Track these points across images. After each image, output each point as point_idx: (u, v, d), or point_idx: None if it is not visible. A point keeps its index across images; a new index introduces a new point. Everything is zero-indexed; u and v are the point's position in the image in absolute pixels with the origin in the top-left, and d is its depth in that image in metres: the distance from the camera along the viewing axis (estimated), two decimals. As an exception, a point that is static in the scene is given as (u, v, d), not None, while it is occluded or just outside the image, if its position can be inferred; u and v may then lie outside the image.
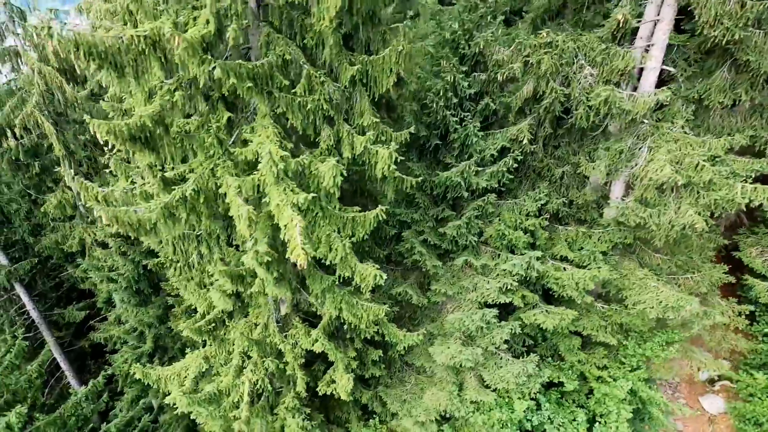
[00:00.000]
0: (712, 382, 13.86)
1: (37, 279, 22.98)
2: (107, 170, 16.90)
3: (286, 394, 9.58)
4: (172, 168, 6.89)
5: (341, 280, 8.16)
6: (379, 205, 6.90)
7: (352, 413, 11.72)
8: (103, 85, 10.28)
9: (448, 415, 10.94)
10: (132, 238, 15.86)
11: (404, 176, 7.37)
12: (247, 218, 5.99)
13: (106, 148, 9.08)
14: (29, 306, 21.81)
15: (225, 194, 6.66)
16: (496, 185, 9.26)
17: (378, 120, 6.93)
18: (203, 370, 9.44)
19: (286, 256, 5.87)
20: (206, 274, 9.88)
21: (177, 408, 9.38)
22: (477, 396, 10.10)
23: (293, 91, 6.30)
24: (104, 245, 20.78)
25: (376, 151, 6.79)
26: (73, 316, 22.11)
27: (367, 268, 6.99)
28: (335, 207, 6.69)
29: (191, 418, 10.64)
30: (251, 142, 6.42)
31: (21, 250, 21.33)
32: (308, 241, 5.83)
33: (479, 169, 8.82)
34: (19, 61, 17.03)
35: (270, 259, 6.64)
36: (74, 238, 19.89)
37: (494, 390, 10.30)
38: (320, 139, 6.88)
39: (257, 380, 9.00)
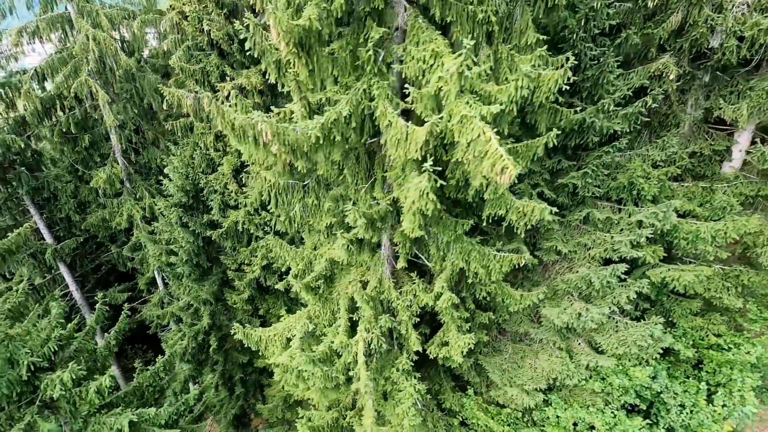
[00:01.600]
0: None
1: (77, 260, 22.50)
2: (169, 138, 16.19)
3: (399, 355, 8.95)
4: (323, 89, 6.23)
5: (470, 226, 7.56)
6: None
7: (445, 383, 11.07)
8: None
9: (554, 384, 10.26)
10: (192, 209, 15.28)
11: (560, 107, 6.69)
12: (417, 137, 5.33)
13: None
14: (72, 287, 21.36)
15: (375, 119, 6.03)
16: (620, 131, 8.56)
17: (543, 38, 6.25)
18: (309, 330, 8.82)
19: (472, 177, 5.18)
20: (307, 228, 9.26)
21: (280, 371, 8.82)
22: (594, 361, 9.42)
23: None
24: (151, 222, 20.34)
25: (538, 74, 6.10)
26: (115, 298, 21.61)
27: (529, 204, 6.31)
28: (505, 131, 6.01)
29: (285, 389, 10.07)
30: (412, 58, 5.76)
31: (65, 228, 20.82)
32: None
33: (615, 110, 8.11)
34: (70, 28, 16.47)
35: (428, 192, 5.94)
36: (122, 214, 19.39)
37: (612, 355, 9.61)
38: (478, 59, 6.21)
39: (371, 340, 8.36)
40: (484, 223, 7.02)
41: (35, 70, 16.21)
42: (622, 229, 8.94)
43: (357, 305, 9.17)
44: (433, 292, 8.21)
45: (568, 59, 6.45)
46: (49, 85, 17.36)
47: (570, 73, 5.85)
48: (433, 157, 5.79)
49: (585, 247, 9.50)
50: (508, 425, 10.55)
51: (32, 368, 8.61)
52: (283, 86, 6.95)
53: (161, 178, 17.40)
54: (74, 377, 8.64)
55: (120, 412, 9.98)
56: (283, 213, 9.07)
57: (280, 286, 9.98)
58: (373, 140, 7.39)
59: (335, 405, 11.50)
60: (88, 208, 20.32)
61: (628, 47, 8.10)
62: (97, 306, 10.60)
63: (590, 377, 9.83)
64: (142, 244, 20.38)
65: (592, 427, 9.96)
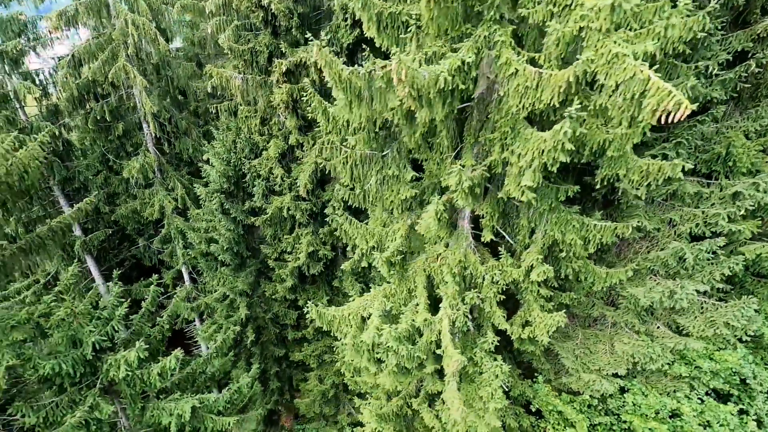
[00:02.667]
0: None
1: (102, 254, 22.10)
2: (208, 124, 15.72)
3: (481, 335, 8.51)
4: (443, 35, 5.84)
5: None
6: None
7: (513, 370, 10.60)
8: None
9: (633, 370, 9.79)
10: (233, 196, 14.90)
11: (678, 63, 6.28)
12: (556, 81, 4.94)
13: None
14: (99, 281, 20.94)
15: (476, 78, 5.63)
16: (717, 98, 8.16)
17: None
18: (387, 308, 8.39)
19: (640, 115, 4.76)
20: (382, 203, 8.85)
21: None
22: (682, 344, 8.96)
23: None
24: (182, 213, 19.97)
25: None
26: (140, 293, 21.16)
27: (655, 162, 5.90)
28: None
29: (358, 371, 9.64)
30: (536, 3, 5.38)
31: (93, 221, 20.43)
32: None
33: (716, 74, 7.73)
34: (107, 13, 16.18)
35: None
36: (153, 205, 19.02)
37: (699, 338, 9.15)
38: None
39: (456, 317, 7.92)
40: (597, 186, 6.61)
41: (72, 55, 15.92)
42: (713, 204, 8.52)
43: (434, 283, 8.76)
44: (521, 267, 7.79)
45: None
46: (81, 73, 17.04)
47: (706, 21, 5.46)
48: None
49: (669, 224, 9.08)
50: (581, 413, 10.06)
51: (97, 348, 8.18)
52: (381, 43, 6.59)
53: (200, 165, 17.02)
54: (141, 356, 8.21)
55: (179, 398, 9.54)
56: (358, 186, 8.68)
57: (346, 265, 9.57)
58: (466, 104, 7.01)
59: (395, 393, 11.04)
60: (117, 199, 19.95)
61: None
62: (152, 288, 10.16)
63: (673, 362, 9.36)
64: (172, 236, 20.06)
65: (675, 414, 9.48)
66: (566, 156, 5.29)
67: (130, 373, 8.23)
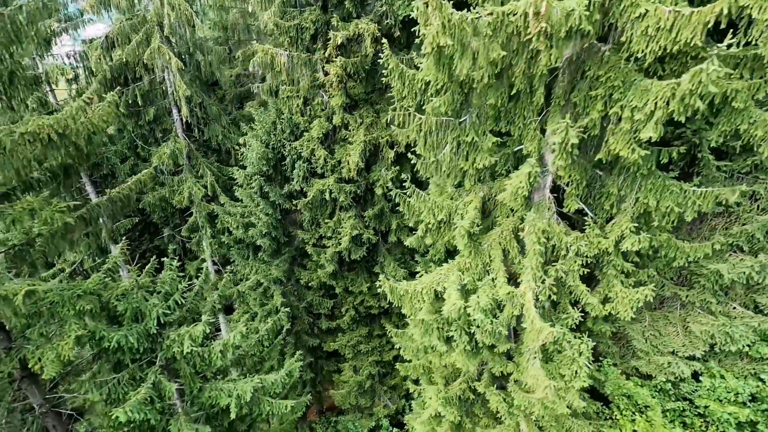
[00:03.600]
0: None
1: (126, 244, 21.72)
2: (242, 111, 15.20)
3: (561, 310, 8.12)
4: None
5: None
6: None
7: (576, 354, 10.18)
8: None
9: (710, 351, 9.39)
10: (271, 180, 14.53)
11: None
12: (702, 17, 4.57)
13: None
14: (123, 272, 20.59)
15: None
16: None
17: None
18: (463, 282, 8.00)
19: None
20: (454, 174, 8.48)
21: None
22: (767, 323, 8.56)
23: None
24: (211, 201, 19.61)
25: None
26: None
27: (783, 113, 5.53)
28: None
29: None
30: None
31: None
32: None
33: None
34: (141, -5, 15.86)
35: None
36: (182, 193, 18.68)
37: (782, 316, 8.75)
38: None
39: (540, 291, 7.54)
40: (713, 143, 6.23)
41: (106, 36, 15.61)
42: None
43: (509, 258, 8.38)
44: (610, 237, 7.40)
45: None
46: (113, 56, 16.73)
47: None
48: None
49: (751, 198, 8.69)
50: (652, 398, 9.65)
51: (161, 321, 7.81)
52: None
53: (233, 150, 16.67)
54: (207, 331, 7.83)
55: (237, 378, 9.16)
56: (431, 155, 8.31)
57: (411, 240, 9.20)
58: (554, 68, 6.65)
59: (452, 378, 10.65)
60: (144, 187, 19.57)
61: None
62: (204, 265, 9.79)
63: (754, 342, 8.96)
64: (200, 224, 19.71)
65: (755, 398, 9.06)
66: (703, 103, 4.91)
67: (193, 350, 7.84)
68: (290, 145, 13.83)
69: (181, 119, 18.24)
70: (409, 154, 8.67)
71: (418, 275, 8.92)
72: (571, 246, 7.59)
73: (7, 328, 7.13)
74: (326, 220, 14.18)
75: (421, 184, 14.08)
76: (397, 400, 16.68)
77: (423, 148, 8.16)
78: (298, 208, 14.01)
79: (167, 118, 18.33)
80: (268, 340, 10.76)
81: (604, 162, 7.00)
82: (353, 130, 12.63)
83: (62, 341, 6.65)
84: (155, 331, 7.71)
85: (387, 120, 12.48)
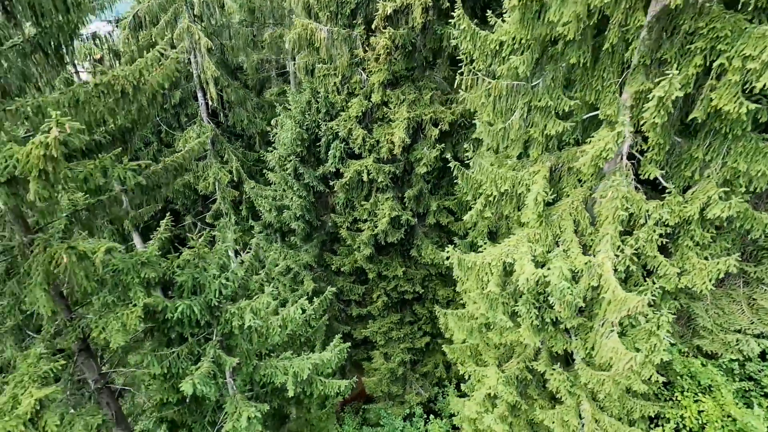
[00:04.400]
0: None
1: (146, 233, 21.43)
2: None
3: (637, 283, 7.82)
4: None
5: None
6: None
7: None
8: None
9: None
10: (304, 161, 14.19)
11: None
12: None
13: None
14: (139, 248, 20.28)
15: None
16: None
17: None
18: (535, 253, 7.69)
19: None
20: (518, 143, 8.17)
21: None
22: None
23: None
24: (236, 187, 19.30)
25: None
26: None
27: None
28: None
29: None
30: None
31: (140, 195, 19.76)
32: None
33: None
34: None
35: None
36: (207, 178, 18.37)
37: None
38: None
39: (621, 260, 7.23)
40: None
41: (134, 15, 15.27)
42: None
43: (580, 229, 8.08)
44: (693, 204, 7.08)
45: None
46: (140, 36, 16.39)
47: None
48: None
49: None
50: (721, 377, 9.35)
51: (222, 293, 7.50)
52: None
53: (270, 129, 16.28)
54: (269, 303, 7.53)
55: (290, 356, 8.86)
56: (499, 122, 7.99)
57: (468, 216, 8.88)
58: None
59: (504, 359, 10.36)
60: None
61: None
62: (253, 241, 9.49)
63: (827, 319, 8.66)
64: (224, 211, 19.41)
65: (828, 378, 8.78)
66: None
67: (254, 324, 7.53)
68: (326, 125, 13.51)
69: (206, 103, 17.95)
70: (476, 122, 8.34)
71: (480, 249, 8.60)
72: (651, 214, 7.27)
73: (65, 294, 6.82)
74: (362, 203, 13.86)
75: (462, 164, 13.82)
76: (429, 388, 16.39)
77: (492, 114, 7.85)
78: (334, 189, 13.70)
79: (192, 103, 18.01)
80: (315, 320, 10.46)
81: (691, 124, 6.69)
82: (395, 107, 12.30)
83: (128, 310, 6.34)
84: (216, 303, 7.41)
85: (430, 97, 12.17)
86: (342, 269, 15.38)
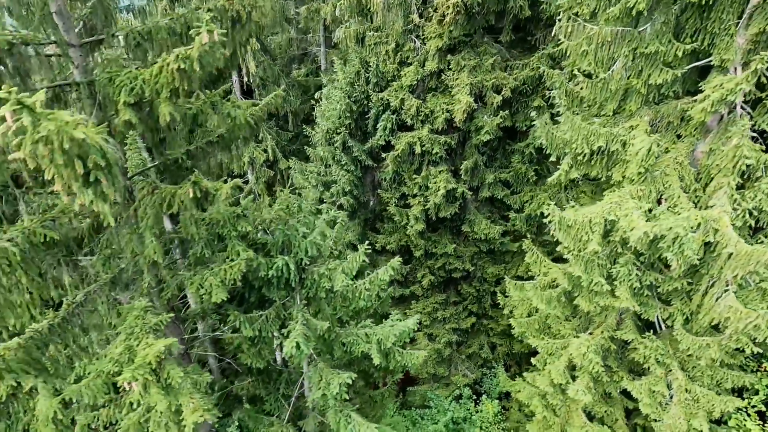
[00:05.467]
0: None
1: (173, 217, 20.98)
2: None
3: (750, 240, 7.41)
4: None
5: None
6: None
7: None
8: None
9: None
10: (352, 135, 13.74)
11: None
12: None
13: None
14: (175, 243, 19.83)
15: None
16: None
17: None
18: (642, 209, 7.27)
19: None
20: (616, 96, 7.73)
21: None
22: None
23: None
24: (271, 166, 18.89)
25: None
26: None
27: None
28: None
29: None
30: None
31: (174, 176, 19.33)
32: None
33: None
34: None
35: None
36: (241, 158, 17.88)
37: None
38: None
39: (736, 216, 6.82)
40: None
41: (171, -13, 14.76)
42: None
43: (685, 185, 7.65)
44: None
45: None
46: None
47: None
48: None
49: None
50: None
51: (311, 252, 7.08)
52: None
53: (315, 102, 15.79)
54: (358, 264, 7.12)
55: (370, 324, 8.45)
56: (601, 71, 7.55)
57: (553, 178, 8.45)
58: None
59: (581, 329, 9.97)
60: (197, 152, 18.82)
61: None
62: (325, 206, 9.04)
63: None
64: (257, 192, 18.98)
65: None
66: None
67: (345, 285, 7.11)
68: (376, 95, 13.05)
69: (240, 81, 17.51)
70: (574, 71, 7.88)
71: (570, 208, 8.17)
72: (769, 165, 6.85)
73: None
74: (413, 176, 13.42)
75: (517, 133, 13.36)
76: (475, 369, 16.02)
77: (593, 64, 7.41)
78: (381, 164, 13.25)
79: (226, 80, 17.52)
80: (384, 292, 10.07)
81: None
82: (454, 73, 11.84)
83: (227, 265, 5.93)
84: (307, 263, 6.99)
85: (491, 63, 11.70)
86: (387, 247, 14.96)
